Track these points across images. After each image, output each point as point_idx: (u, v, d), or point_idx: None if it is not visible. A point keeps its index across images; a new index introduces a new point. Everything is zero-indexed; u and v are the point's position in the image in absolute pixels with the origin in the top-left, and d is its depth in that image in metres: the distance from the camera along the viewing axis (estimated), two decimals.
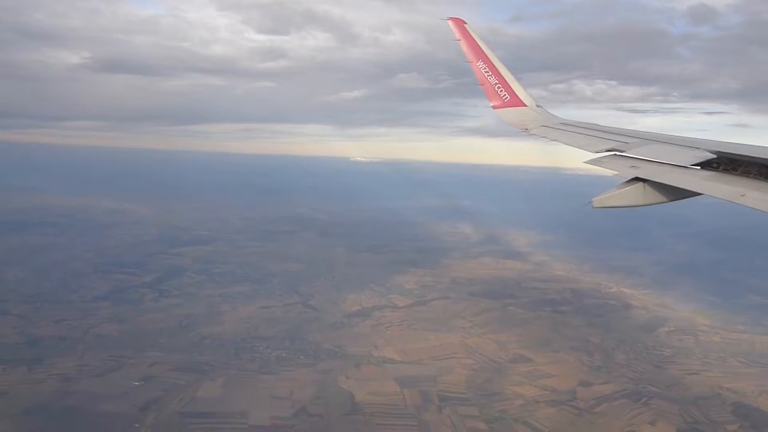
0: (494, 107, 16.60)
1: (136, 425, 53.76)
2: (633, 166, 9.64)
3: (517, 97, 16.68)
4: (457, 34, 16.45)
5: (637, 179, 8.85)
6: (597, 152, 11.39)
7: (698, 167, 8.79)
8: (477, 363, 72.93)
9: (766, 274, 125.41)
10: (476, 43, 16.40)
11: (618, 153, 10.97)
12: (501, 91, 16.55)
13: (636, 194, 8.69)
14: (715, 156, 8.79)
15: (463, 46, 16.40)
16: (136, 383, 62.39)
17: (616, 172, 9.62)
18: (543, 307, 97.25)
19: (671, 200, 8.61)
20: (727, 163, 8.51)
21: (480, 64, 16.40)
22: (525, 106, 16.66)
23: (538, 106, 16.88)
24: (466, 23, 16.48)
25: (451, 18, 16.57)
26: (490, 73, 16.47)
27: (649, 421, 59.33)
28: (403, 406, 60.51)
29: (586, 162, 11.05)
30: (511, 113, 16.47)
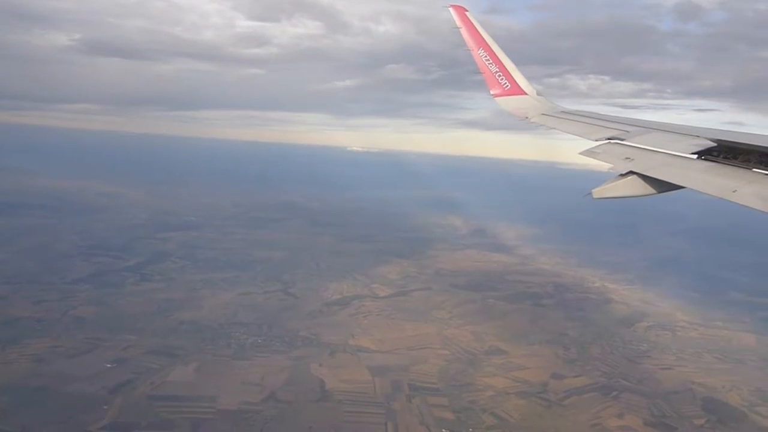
0: (495, 95, 16.47)
1: (104, 407, 53.99)
2: (628, 158, 9.57)
3: (518, 85, 16.56)
4: (458, 22, 16.27)
5: (632, 172, 8.87)
6: (596, 140, 11.25)
7: (696, 156, 8.70)
8: (452, 354, 73.18)
9: (751, 271, 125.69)
10: (477, 30, 16.25)
11: (617, 141, 10.87)
12: (502, 79, 16.43)
13: (632, 186, 8.72)
14: (715, 144, 8.66)
15: (464, 33, 16.24)
16: (109, 365, 62.55)
17: (610, 165, 9.61)
18: (524, 300, 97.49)
19: (666, 191, 8.60)
20: (726, 151, 8.37)
21: (481, 51, 16.26)
22: (526, 94, 16.56)
23: (538, 94, 16.75)
24: (467, 11, 16.32)
25: (452, 5, 16.37)
26: (491, 61, 16.33)
27: (616, 414, 59.70)
28: (373, 394, 60.84)
29: (580, 153, 10.91)
30: (512, 101, 16.37)
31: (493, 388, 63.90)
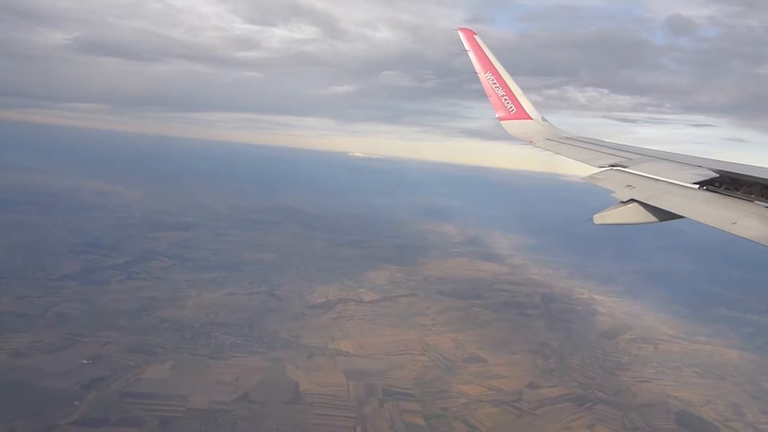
0: (500, 119, 16.69)
1: (76, 402, 54.35)
2: (629, 185, 9.72)
3: (523, 109, 16.81)
4: (467, 45, 16.53)
5: (633, 199, 9.02)
6: (600, 167, 11.43)
7: (698, 186, 8.78)
8: (430, 360, 73.32)
9: (742, 288, 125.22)
10: (485, 54, 16.48)
11: (620, 168, 11.03)
12: (507, 103, 16.66)
13: (633, 214, 8.87)
14: (717, 175, 8.74)
15: (472, 56, 16.47)
16: (85, 362, 62.94)
17: (613, 191, 9.74)
18: (509, 310, 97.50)
19: (667, 219, 8.72)
20: (729, 182, 8.43)
21: (488, 75, 16.50)
22: (530, 119, 16.80)
23: (543, 119, 17.00)
24: (476, 34, 16.56)
25: (461, 28, 16.69)
26: (498, 85, 16.57)
27: (587, 425, 59.75)
28: (346, 398, 61.02)
29: (583, 179, 11.12)
30: (517, 125, 16.62)
31: (467, 396, 63.99)
